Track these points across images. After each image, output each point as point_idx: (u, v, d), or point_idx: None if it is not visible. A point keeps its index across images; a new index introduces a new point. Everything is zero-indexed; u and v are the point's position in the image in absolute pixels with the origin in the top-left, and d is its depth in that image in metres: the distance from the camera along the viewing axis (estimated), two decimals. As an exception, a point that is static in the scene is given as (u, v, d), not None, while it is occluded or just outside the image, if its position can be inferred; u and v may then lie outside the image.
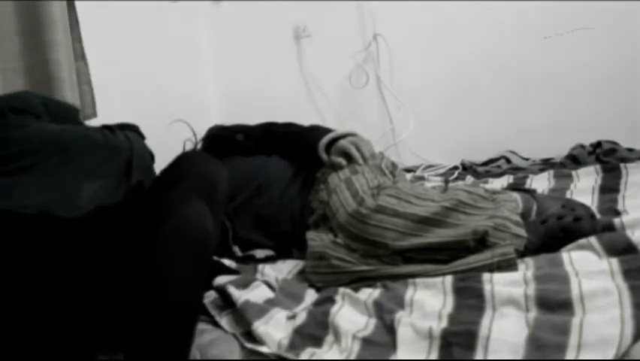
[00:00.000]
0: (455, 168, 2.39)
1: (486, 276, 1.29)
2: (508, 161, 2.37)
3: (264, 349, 1.17)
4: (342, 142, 1.66)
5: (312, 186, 1.65)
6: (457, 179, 2.24)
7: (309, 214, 1.60)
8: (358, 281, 1.40)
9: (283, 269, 1.53)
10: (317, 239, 1.47)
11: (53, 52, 1.65)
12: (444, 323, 1.15)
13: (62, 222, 1.11)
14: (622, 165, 2.00)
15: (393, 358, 1.11)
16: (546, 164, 2.28)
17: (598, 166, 2.03)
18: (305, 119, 1.81)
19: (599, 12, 2.35)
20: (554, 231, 1.43)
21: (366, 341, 1.16)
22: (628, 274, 1.19)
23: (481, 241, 1.39)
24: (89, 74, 1.83)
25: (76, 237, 1.07)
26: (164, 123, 1.84)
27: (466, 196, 1.47)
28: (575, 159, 2.22)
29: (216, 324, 1.25)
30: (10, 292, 1.02)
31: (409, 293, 1.30)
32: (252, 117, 1.86)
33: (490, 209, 1.46)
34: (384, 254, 1.42)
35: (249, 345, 1.18)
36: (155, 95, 2.20)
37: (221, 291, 1.30)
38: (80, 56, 1.80)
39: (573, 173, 2.04)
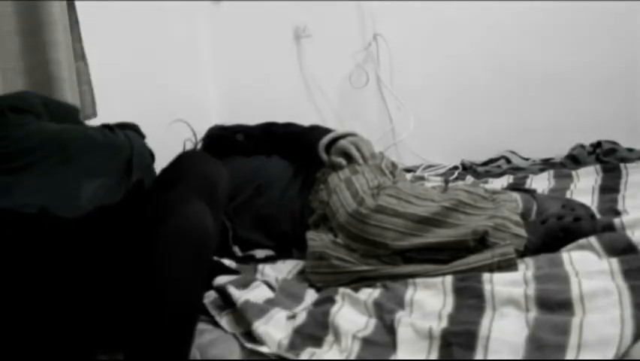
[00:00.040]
0: (455, 168, 2.39)
1: (486, 276, 1.29)
2: (508, 161, 2.37)
3: (264, 349, 1.17)
4: (342, 142, 1.66)
5: (312, 186, 1.65)
6: (457, 179, 2.24)
7: (309, 214, 1.60)
8: (358, 281, 1.40)
9: (283, 269, 1.53)
10: (317, 239, 1.47)
11: (53, 52, 1.65)
12: (444, 323, 1.15)
13: (62, 222, 1.11)
14: (622, 165, 2.00)
15: (393, 358, 1.11)
16: (546, 164, 2.28)
17: (598, 166, 2.03)
18: (305, 119, 1.81)
19: (599, 12, 2.35)
20: (554, 231, 1.43)
21: (366, 341, 1.16)
22: (628, 274, 1.19)
23: (481, 241, 1.39)
24: (89, 74, 1.83)
25: (77, 237, 1.07)
26: (164, 123, 1.83)
27: (466, 196, 1.47)
28: (575, 159, 2.22)
29: (216, 324, 1.25)
30: (11, 293, 1.02)
31: (409, 293, 1.30)
32: (252, 117, 1.86)
33: (490, 209, 1.46)
34: (384, 254, 1.42)
35: (249, 345, 1.18)
36: (155, 95, 2.20)
37: (221, 291, 1.30)
38: (79, 56, 1.80)
39: (573, 173, 2.04)
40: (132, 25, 2.09)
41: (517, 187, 1.89)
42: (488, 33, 2.46)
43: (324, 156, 1.67)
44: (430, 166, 2.44)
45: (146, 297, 1.00)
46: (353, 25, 2.53)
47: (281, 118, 1.83)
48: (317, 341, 1.18)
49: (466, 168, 2.37)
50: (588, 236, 1.36)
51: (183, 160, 1.37)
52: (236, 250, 1.61)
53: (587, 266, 1.26)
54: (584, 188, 1.86)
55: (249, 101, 2.54)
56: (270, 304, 1.29)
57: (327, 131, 1.72)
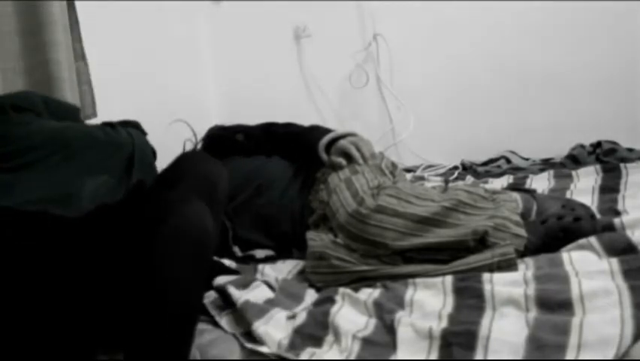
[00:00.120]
0: (455, 168, 2.39)
1: (486, 276, 1.29)
2: (508, 161, 2.37)
3: (264, 349, 1.17)
4: (342, 142, 1.66)
5: (312, 186, 1.65)
6: (457, 179, 2.24)
7: (309, 214, 1.60)
8: (358, 281, 1.40)
9: (283, 269, 1.53)
10: (317, 239, 1.47)
11: (53, 52, 1.65)
12: (444, 323, 1.15)
13: (62, 222, 1.11)
14: (622, 165, 2.00)
15: (393, 358, 1.11)
16: (546, 164, 2.28)
17: (598, 166, 2.03)
18: (305, 119, 1.81)
19: (599, 12, 2.35)
20: (554, 231, 1.43)
21: (366, 341, 1.16)
22: (628, 274, 1.19)
23: (481, 241, 1.39)
24: (89, 74, 1.83)
25: (77, 237, 1.07)
26: (164, 123, 1.83)
27: (466, 196, 1.47)
28: (575, 159, 2.22)
29: (216, 324, 1.25)
30: (11, 293, 1.02)
31: (409, 293, 1.30)
32: (252, 117, 1.86)
33: (490, 209, 1.46)
34: (384, 254, 1.42)
35: (249, 345, 1.18)
36: (155, 95, 2.20)
37: (221, 291, 1.30)
38: (80, 56, 1.80)
39: (573, 173, 2.04)
40: (132, 25, 2.09)
41: (517, 187, 1.89)
42: (488, 33, 2.46)
43: (324, 156, 1.67)
44: (430, 166, 2.44)
45: (146, 297, 1.00)
46: (353, 25, 2.52)
47: (281, 118, 1.83)
48: (317, 341, 1.18)
49: (466, 168, 2.37)
50: (588, 236, 1.36)
51: (183, 160, 1.37)
52: (236, 250, 1.61)
53: (587, 266, 1.26)
54: (584, 188, 1.86)
55: (249, 101, 2.54)
56: (270, 304, 1.29)
57: (327, 131, 1.72)
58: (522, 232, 1.41)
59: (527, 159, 2.38)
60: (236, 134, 1.80)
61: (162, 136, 1.65)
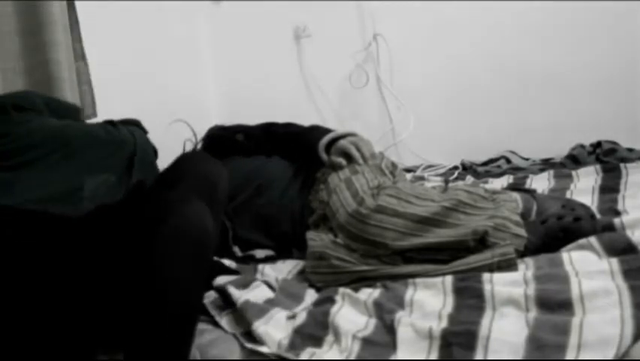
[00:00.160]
0: (455, 168, 2.39)
1: (486, 276, 1.29)
2: (508, 161, 2.37)
3: (264, 349, 1.17)
4: (342, 142, 1.66)
5: (312, 186, 1.65)
6: (457, 179, 2.24)
7: (309, 214, 1.60)
8: (358, 281, 1.40)
9: (283, 269, 1.53)
10: (317, 239, 1.47)
11: (53, 52, 1.65)
12: (444, 323, 1.15)
13: (62, 221, 1.11)
14: (622, 165, 2.00)
15: (393, 358, 1.11)
16: (546, 164, 2.28)
17: (598, 166, 2.03)
18: (305, 119, 1.81)
19: (599, 12, 2.35)
20: (554, 231, 1.43)
21: (366, 341, 1.16)
22: (628, 274, 1.19)
23: (481, 241, 1.39)
24: (89, 74, 1.83)
25: (77, 237, 1.07)
26: (164, 123, 1.83)
27: (466, 196, 1.47)
28: (575, 159, 2.22)
29: (216, 324, 1.25)
30: (11, 293, 1.02)
31: (409, 293, 1.30)
32: (252, 117, 1.86)
33: (490, 209, 1.46)
34: (384, 254, 1.42)
35: (249, 345, 1.18)
36: (155, 95, 2.20)
37: (221, 291, 1.30)
38: (80, 56, 1.80)
39: (573, 173, 2.04)
40: (132, 25, 2.09)
41: (517, 187, 1.89)
42: (488, 33, 2.46)
43: (324, 156, 1.67)
44: (430, 166, 2.44)
45: (146, 297, 1.00)
46: (353, 25, 2.52)
47: (281, 118, 1.83)
48: (317, 341, 1.18)
49: (466, 168, 2.37)
50: (588, 236, 1.36)
51: (183, 161, 1.37)
52: (236, 250, 1.61)
53: (587, 266, 1.26)
54: (584, 188, 1.86)
55: (249, 101, 2.54)
56: (270, 304, 1.29)
57: (327, 131, 1.72)
58: (522, 232, 1.41)
59: (527, 159, 2.38)
60: (236, 134, 1.80)
61: (162, 136, 1.65)
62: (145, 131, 1.57)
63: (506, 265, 1.33)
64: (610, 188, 1.82)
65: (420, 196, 1.48)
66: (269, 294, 1.34)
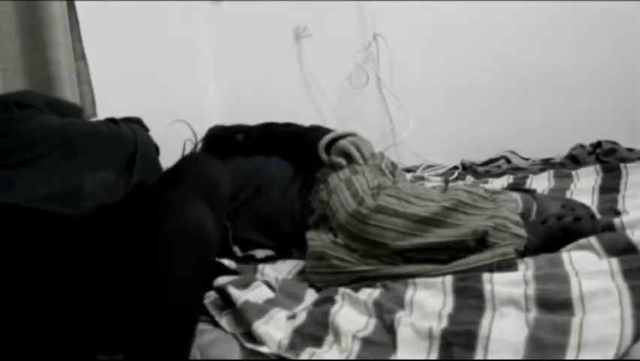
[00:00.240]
0: (455, 168, 2.39)
1: (486, 276, 1.29)
2: (508, 161, 2.37)
3: (264, 349, 1.17)
4: (342, 142, 1.66)
5: (312, 186, 1.65)
6: (457, 179, 2.24)
7: (309, 214, 1.60)
8: (358, 281, 1.40)
9: (283, 269, 1.53)
10: (317, 239, 1.47)
11: (53, 52, 1.65)
12: (444, 323, 1.15)
13: (63, 220, 1.11)
14: (622, 165, 2.00)
15: (393, 358, 1.11)
16: (546, 164, 2.28)
17: (598, 166, 2.03)
18: (305, 119, 1.81)
19: (599, 12, 2.35)
20: (554, 231, 1.43)
21: (366, 341, 1.16)
22: (628, 274, 1.19)
23: (481, 241, 1.39)
24: (89, 74, 1.84)
25: (77, 236, 1.07)
26: (164, 123, 1.83)
27: (466, 196, 1.47)
28: (575, 159, 2.22)
29: (216, 324, 1.25)
30: (11, 292, 1.02)
31: (409, 293, 1.30)
32: (252, 117, 1.86)
33: (490, 209, 1.46)
34: (384, 254, 1.42)
35: (249, 345, 1.18)
36: (155, 95, 2.20)
37: (221, 291, 1.30)
38: (80, 56, 1.81)
39: (573, 173, 2.04)
40: (132, 25, 2.09)
41: (517, 187, 1.89)
42: (488, 33, 2.46)
43: (324, 156, 1.67)
44: (430, 166, 2.44)
45: (146, 297, 1.00)
46: (353, 25, 2.52)
47: (281, 118, 1.83)
48: (317, 341, 1.18)
49: (466, 168, 2.37)
50: (588, 236, 1.36)
51: (185, 162, 1.38)
52: (237, 250, 1.61)
53: (587, 266, 1.26)
54: (584, 188, 1.86)
55: (249, 101, 2.54)
56: (270, 304, 1.29)
57: (327, 131, 1.72)
58: (522, 232, 1.41)
59: (527, 159, 2.38)
60: (237, 134, 1.80)
61: (162, 136, 1.65)
62: (146, 129, 1.57)
63: (506, 265, 1.33)
64: (610, 188, 1.82)
65: (420, 196, 1.48)
66: (269, 294, 1.34)
